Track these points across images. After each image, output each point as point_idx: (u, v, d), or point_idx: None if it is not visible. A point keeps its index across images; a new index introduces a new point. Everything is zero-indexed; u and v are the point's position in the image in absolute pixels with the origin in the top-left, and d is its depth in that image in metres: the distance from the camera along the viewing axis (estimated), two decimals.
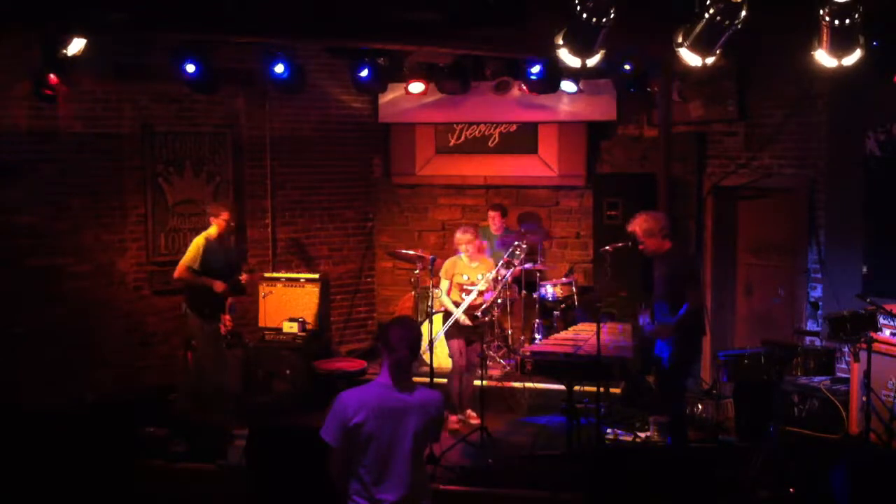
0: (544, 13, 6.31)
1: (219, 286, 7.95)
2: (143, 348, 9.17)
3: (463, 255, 7.95)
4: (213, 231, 8.12)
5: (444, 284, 7.97)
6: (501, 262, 8.02)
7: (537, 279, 9.57)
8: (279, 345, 9.15)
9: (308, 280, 9.56)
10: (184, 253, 8.17)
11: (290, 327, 9.13)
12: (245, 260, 9.21)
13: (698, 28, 5.61)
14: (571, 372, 7.26)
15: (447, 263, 8.03)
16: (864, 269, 7.85)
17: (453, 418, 7.84)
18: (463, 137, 10.53)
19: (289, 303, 9.41)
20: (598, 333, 6.84)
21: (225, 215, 8.15)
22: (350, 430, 4.03)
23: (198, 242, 8.05)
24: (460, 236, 7.92)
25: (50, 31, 7.38)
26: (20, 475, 6.13)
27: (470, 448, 7.35)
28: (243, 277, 8.28)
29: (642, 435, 7.69)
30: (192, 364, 8.26)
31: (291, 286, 9.47)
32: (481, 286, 7.83)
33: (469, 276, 7.92)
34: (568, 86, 9.39)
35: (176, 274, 8.10)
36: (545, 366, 7.66)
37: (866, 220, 7.97)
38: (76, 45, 7.45)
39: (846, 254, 8.02)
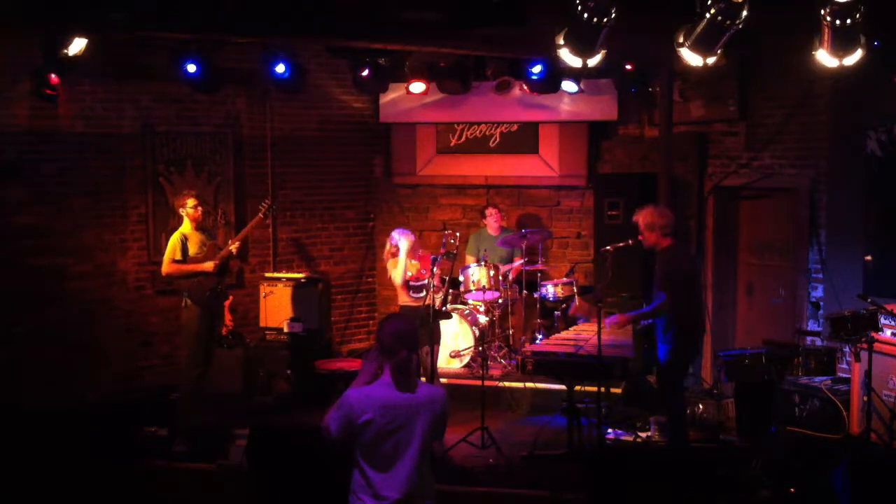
0: (545, 13, 6.31)
1: (208, 266, 7.94)
2: (144, 348, 9.18)
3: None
4: (186, 225, 8.07)
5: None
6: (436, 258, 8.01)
7: (538, 279, 9.57)
8: (279, 345, 9.15)
9: (309, 280, 9.56)
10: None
11: (291, 327, 9.13)
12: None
13: (699, 28, 5.61)
14: (572, 372, 7.26)
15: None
16: (868, 258, 7.89)
17: None
18: (464, 137, 10.53)
19: (289, 303, 9.40)
20: (598, 333, 6.84)
21: (191, 202, 8.05)
22: (357, 428, 4.04)
23: (175, 237, 8.03)
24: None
25: (50, 31, 7.38)
26: (20, 475, 6.13)
27: (470, 448, 7.35)
28: (234, 247, 8.18)
29: (643, 435, 7.69)
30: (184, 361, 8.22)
31: (292, 286, 9.46)
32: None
33: (412, 272, 8.04)
34: (569, 86, 9.39)
35: (163, 271, 8.08)
36: (546, 366, 7.65)
37: (867, 219, 7.97)
38: (76, 45, 7.46)
39: (847, 254, 8.02)
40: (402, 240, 8.09)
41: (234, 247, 8.15)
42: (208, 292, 7.95)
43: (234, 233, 9.54)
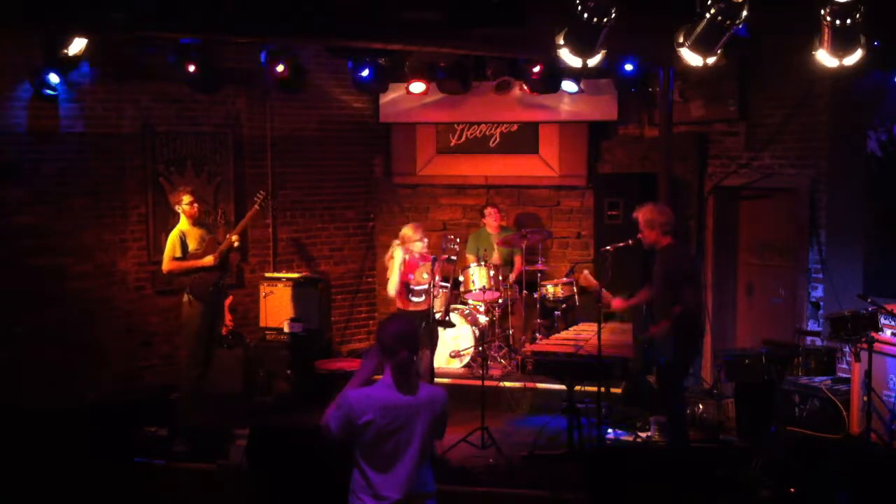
0: (545, 13, 6.31)
1: (208, 260, 7.94)
2: (144, 348, 9.17)
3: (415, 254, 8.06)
4: (184, 222, 8.07)
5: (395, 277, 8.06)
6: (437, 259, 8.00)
7: (538, 279, 9.57)
8: (279, 345, 9.15)
9: (309, 280, 9.55)
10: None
11: (291, 327, 9.12)
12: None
13: (699, 28, 5.62)
14: (572, 372, 7.26)
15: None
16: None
17: None
18: (464, 137, 10.53)
19: (289, 303, 9.40)
20: (598, 333, 6.83)
21: (187, 199, 8.04)
22: (357, 428, 4.04)
23: (173, 235, 8.03)
24: (411, 232, 8.01)
25: (50, 31, 7.38)
26: (20, 475, 6.13)
27: (470, 448, 7.35)
28: (235, 239, 8.16)
29: (643, 435, 7.69)
30: (185, 360, 8.23)
31: (292, 286, 9.46)
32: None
33: (414, 276, 8.02)
34: (569, 86, 9.39)
35: (164, 269, 8.08)
36: (546, 366, 7.66)
37: (867, 219, 7.98)
38: (76, 45, 7.46)
39: (847, 254, 8.03)
40: (396, 249, 8.12)
41: (234, 239, 8.15)
42: (211, 287, 7.95)
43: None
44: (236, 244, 8.17)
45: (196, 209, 8.10)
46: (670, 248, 6.90)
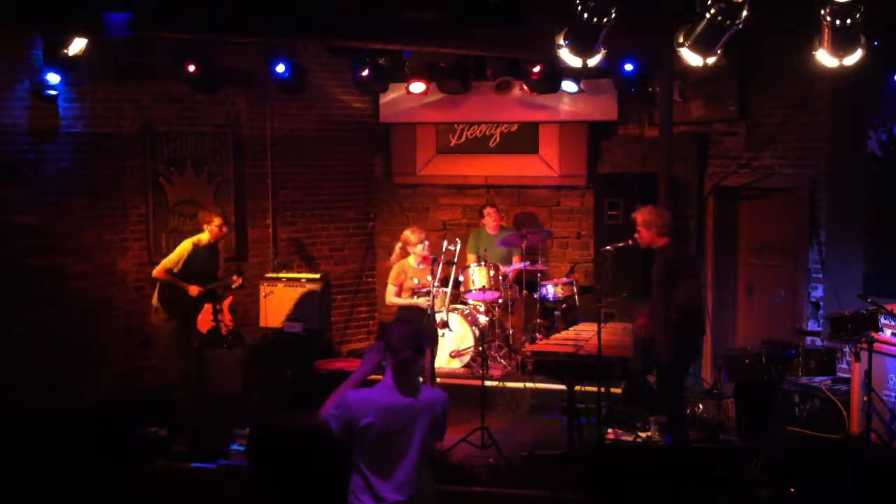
0: (545, 13, 6.32)
1: (193, 290, 8.01)
2: (144, 348, 9.16)
3: (411, 259, 8.02)
4: (204, 237, 8.15)
5: (392, 289, 8.04)
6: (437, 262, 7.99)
7: (538, 279, 9.57)
8: (279, 345, 9.15)
9: (309, 280, 9.56)
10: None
11: (290, 327, 9.12)
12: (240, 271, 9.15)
13: (699, 28, 5.63)
14: (572, 372, 7.26)
15: (396, 269, 8.09)
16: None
17: None
18: (464, 137, 10.53)
19: (289, 303, 9.40)
20: (598, 333, 6.83)
21: (217, 221, 8.17)
22: (357, 430, 4.03)
23: (185, 247, 8.10)
24: (414, 237, 7.99)
25: (50, 31, 7.39)
26: (20, 475, 6.13)
27: (470, 448, 7.35)
28: (237, 280, 8.33)
29: (643, 435, 7.69)
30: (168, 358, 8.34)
31: (292, 286, 9.47)
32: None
33: (419, 279, 7.99)
34: (569, 85, 9.39)
35: (154, 273, 8.22)
36: (546, 366, 7.65)
37: (867, 219, 7.98)
38: (76, 45, 7.47)
39: (847, 254, 8.03)
40: (394, 269, 8.13)
41: (237, 280, 8.42)
42: (176, 307, 8.10)
43: (234, 233, 9.55)
44: (238, 284, 8.49)
45: (224, 231, 8.28)
46: (667, 247, 6.92)
